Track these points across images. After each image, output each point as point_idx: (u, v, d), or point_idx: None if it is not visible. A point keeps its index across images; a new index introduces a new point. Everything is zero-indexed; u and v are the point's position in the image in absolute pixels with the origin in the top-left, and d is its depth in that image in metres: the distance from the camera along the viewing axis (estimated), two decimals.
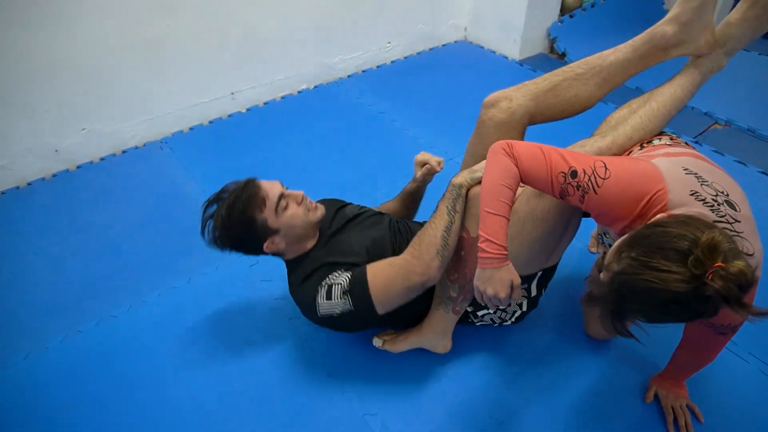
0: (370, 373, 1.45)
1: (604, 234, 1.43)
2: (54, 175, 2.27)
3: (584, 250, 1.78)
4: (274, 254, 1.37)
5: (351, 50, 2.89)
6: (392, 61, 3.09)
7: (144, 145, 2.44)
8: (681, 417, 1.29)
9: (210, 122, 2.59)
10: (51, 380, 1.46)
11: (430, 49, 3.21)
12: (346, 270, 1.27)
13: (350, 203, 1.56)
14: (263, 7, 2.46)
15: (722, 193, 0.99)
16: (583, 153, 1.07)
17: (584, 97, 1.36)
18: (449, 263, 1.29)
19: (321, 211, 1.37)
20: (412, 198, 1.65)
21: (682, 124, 2.44)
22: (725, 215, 0.96)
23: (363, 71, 2.99)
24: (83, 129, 2.26)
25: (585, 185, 1.01)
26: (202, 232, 1.31)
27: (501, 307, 1.21)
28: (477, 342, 1.51)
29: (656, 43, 1.30)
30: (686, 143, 1.26)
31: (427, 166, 1.51)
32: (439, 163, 1.51)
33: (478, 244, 1.08)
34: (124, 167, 2.31)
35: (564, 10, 3.15)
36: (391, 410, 1.36)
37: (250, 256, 1.39)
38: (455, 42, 3.29)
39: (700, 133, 2.41)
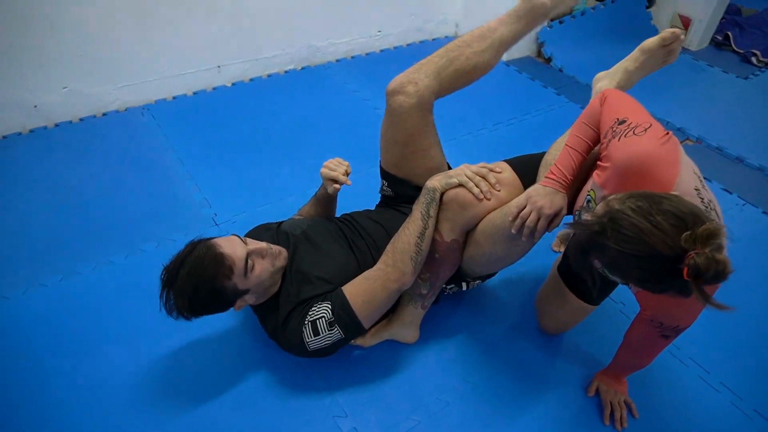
0: (342, 366, 1.47)
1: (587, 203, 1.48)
2: (31, 131, 2.26)
3: (548, 249, 1.84)
4: (244, 306, 1.32)
5: (341, 35, 2.91)
6: (381, 50, 3.11)
7: (125, 109, 2.43)
8: (617, 411, 1.35)
9: (194, 93, 2.59)
10: (7, 329, 1.47)
11: (420, 42, 3.24)
12: (324, 300, 1.26)
13: (281, 222, 1.53)
14: None
15: (712, 202, 1.04)
16: (649, 116, 1.09)
17: (483, 65, 1.43)
18: (430, 262, 1.34)
19: (284, 254, 1.34)
20: (328, 201, 1.61)
21: None
22: (714, 221, 1.01)
23: (352, 57, 3.01)
24: (65, 88, 2.25)
25: (618, 132, 1.05)
26: (166, 306, 1.20)
27: (533, 239, 1.22)
28: (438, 330, 1.56)
29: (537, 11, 1.44)
30: None
31: (336, 185, 1.47)
32: (347, 173, 1.48)
33: (551, 166, 1.19)
34: (103, 129, 2.31)
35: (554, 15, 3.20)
36: (344, 386, 1.40)
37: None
38: (445, 37, 3.33)
39: None
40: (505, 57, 3.07)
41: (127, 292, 1.60)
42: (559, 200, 1.18)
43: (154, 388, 1.36)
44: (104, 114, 2.39)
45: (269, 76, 2.77)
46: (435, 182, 1.29)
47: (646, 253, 0.84)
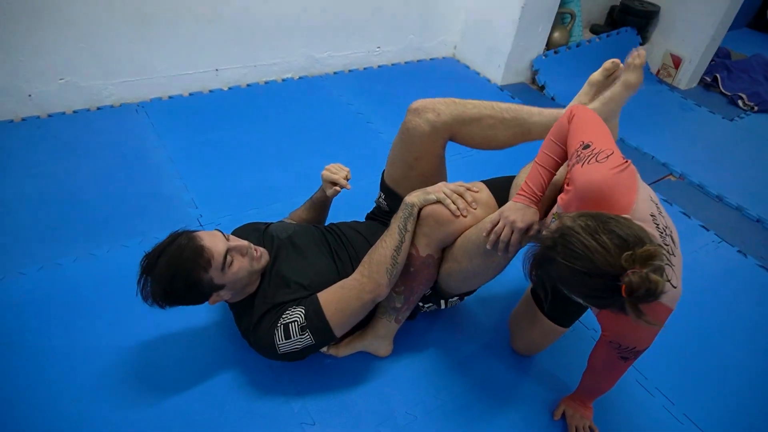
0: (313, 374, 1.48)
1: None
2: (23, 119, 2.26)
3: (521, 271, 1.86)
4: (219, 302, 1.33)
5: (340, 48, 2.95)
6: (379, 66, 3.16)
7: (120, 105, 2.45)
8: None
9: (190, 94, 2.61)
10: None
11: (418, 61, 3.30)
12: (298, 305, 1.27)
13: (270, 223, 1.55)
14: None
15: (668, 228, 1.09)
16: (613, 143, 1.13)
17: (500, 140, 1.45)
18: (405, 276, 1.36)
19: (265, 257, 1.35)
20: (323, 206, 1.66)
21: (641, 170, 2.55)
22: (669, 246, 1.05)
23: (349, 71, 3.05)
24: (61, 79, 2.26)
25: (583, 157, 1.08)
26: (142, 293, 1.22)
27: (507, 253, 1.25)
28: (411, 344, 1.57)
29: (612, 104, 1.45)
30: None
31: (336, 188, 1.52)
32: (347, 178, 1.53)
33: (521, 184, 1.24)
34: (96, 123, 2.32)
35: (550, 45, 3.27)
36: (314, 393, 1.41)
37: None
38: (443, 58, 3.39)
39: (655, 182, 2.54)
40: (500, 80, 3.14)
41: (106, 286, 1.60)
42: (531, 215, 1.22)
43: (124, 381, 1.37)
44: (98, 108, 2.40)
45: (266, 83, 2.81)
46: (413, 198, 1.31)
47: (589, 269, 0.89)
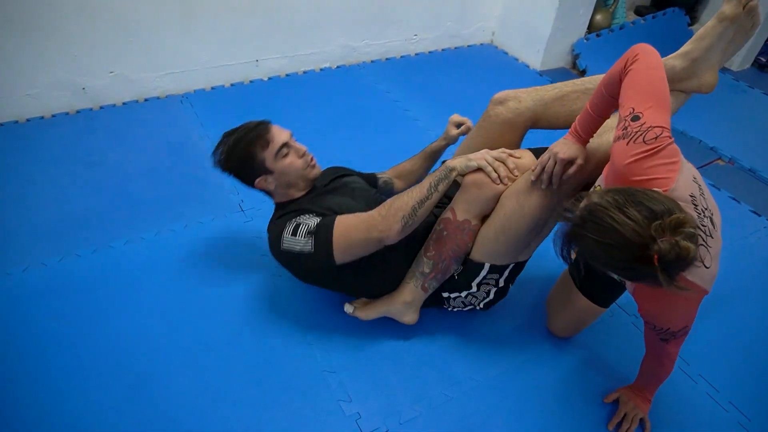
0: (338, 335, 1.54)
1: None
2: (78, 112, 2.39)
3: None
4: (263, 191, 1.50)
5: (377, 37, 2.97)
6: (416, 54, 3.16)
7: (166, 96, 2.55)
8: (627, 423, 1.35)
9: (232, 85, 2.69)
10: (42, 295, 1.57)
11: (456, 48, 3.27)
12: (318, 216, 1.37)
13: (355, 175, 1.64)
14: None
15: (709, 210, 1.06)
16: (665, 117, 1.06)
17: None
18: (430, 241, 1.38)
19: (317, 171, 1.51)
20: (434, 157, 1.73)
21: (687, 155, 2.47)
22: (706, 227, 1.03)
23: (386, 59, 3.07)
24: (111, 72, 2.37)
25: (630, 132, 1.04)
26: (213, 154, 1.46)
27: (552, 186, 1.24)
28: (446, 323, 1.59)
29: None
30: None
31: (465, 125, 1.61)
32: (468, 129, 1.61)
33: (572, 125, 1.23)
34: (144, 114, 2.42)
35: (592, 28, 3.19)
36: (349, 370, 1.45)
37: (246, 186, 1.51)
38: (481, 44, 3.35)
39: (702, 166, 2.45)
40: (539, 66, 3.09)
41: (154, 267, 1.68)
42: (575, 150, 1.21)
43: (170, 354, 1.44)
44: (146, 99, 2.51)
45: (305, 72, 2.85)
46: (455, 162, 1.32)
47: (619, 242, 0.88)
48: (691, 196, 1.02)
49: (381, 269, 1.44)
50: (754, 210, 2.18)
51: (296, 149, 1.46)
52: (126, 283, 1.63)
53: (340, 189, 1.53)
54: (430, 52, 3.19)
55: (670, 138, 1.04)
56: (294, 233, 1.34)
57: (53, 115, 2.34)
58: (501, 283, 1.44)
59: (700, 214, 1.01)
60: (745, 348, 1.61)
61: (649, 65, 1.09)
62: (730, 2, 1.29)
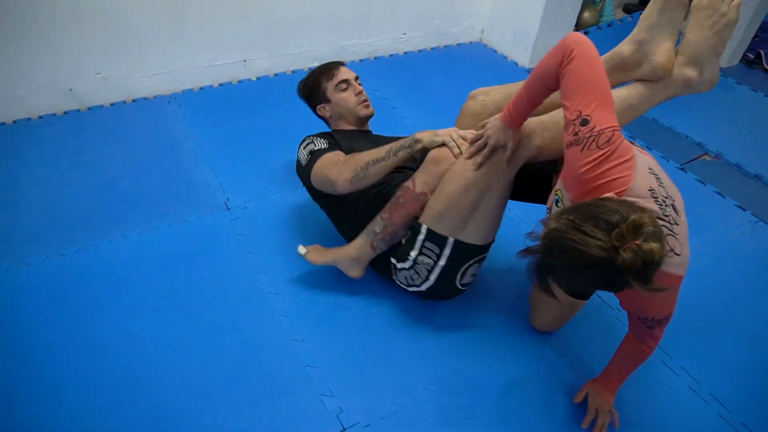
0: (321, 330, 1.55)
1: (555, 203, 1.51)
2: (65, 113, 2.39)
3: None
4: (322, 118, 1.81)
5: (365, 35, 2.97)
6: (405, 53, 3.17)
7: (154, 97, 2.55)
8: (601, 418, 1.34)
9: (220, 85, 2.69)
10: (25, 295, 1.57)
11: (445, 47, 3.28)
12: (328, 144, 1.58)
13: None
14: None
15: (670, 197, 1.08)
16: (611, 115, 1.06)
17: (552, 104, 1.41)
18: (389, 203, 1.45)
19: (368, 111, 1.75)
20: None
21: (673, 150, 2.50)
22: (669, 216, 1.04)
23: (375, 58, 3.07)
24: (99, 74, 2.38)
25: (582, 138, 1.04)
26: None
27: (474, 167, 1.31)
28: (429, 319, 1.60)
29: (615, 63, 1.36)
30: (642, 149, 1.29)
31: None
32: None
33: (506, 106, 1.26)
34: (132, 115, 2.42)
35: (579, 25, 3.20)
36: (332, 365, 1.45)
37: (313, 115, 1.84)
38: (470, 43, 3.36)
39: (688, 161, 2.46)
40: (527, 63, 3.10)
41: (137, 265, 1.69)
42: (504, 137, 1.26)
43: (155, 351, 1.44)
44: (134, 100, 2.51)
45: (294, 71, 2.86)
46: (422, 135, 1.41)
47: (588, 261, 0.89)
48: (649, 189, 1.03)
49: (350, 213, 1.59)
50: (739, 205, 2.19)
51: (354, 87, 1.73)
52: (108, 281, 1.63)
53: (377, 140, 1.68)
54: (419, 51, 3.20)
55: (621, 137, 1.05)
56: (304, 147, 1.61)
57: (40, 117, 2.35)
58: (442, 261, 1.43)
59: (661, 204, 1.03)
60: (727, 340, 1.62)
61: (587, 61, 1.07)
62: None
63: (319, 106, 1.77)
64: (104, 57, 2.35)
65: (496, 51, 3.30)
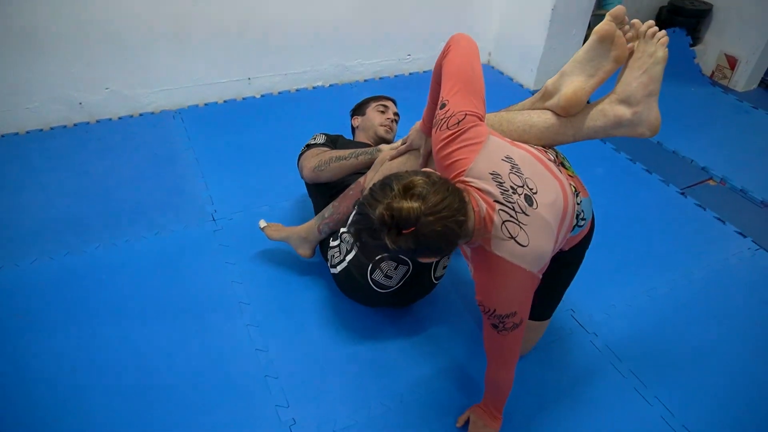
0: (288, 341, 1.56)
1: None
2: (75, 125, 2.51)
3: None
4: (352, 128, 2.03)
5: (370, 56, 3.03)
6: (410, 73, 3.20)
7: (160, 111, 2.65)
8: None
9: (224, 101, 2.78)
10: (13, 294, 1.64)
11: None
12: (325, 142, 1.80)
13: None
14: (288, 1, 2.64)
15: (530, 189, 1.05)
16: (469, 100, 1.12)
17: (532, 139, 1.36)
18: (342, 194, 1.57)
19: (388, 135, 1.92)
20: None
21: (675, 174, 2.43)
22: (515, 203, 1.02)
23: (380, 78, 3.12)
24: (107, 88, 2.49)
25: (438, 120, 1.12)
26: None
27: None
28: (394, 333, 1.60)
29: (542, 92, 1.33)
30: (553, 158, 1.23)
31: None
32: None
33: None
34: (137, 128, 2.52)
35: None
36: (293, 376, 1.46)
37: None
38: None
39: (690, 186, 2.38)
40: (532, 85, 3.09)
41: (120, 271, 1.74)
42: (419, 139, 1.39)
43: (117, 358, 1.48)
44: (140, 114, 2.62)
45: (297, 90, 2.93)
46: (385, 146, 1.59)
47: (369, 223, 0.95)
48: (491, 173, 1.04)
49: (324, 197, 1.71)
50: (740, 231, 2.11)
51: (387, 114, 1.94)
52: (89, 284, 1.69)
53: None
54: (424, 72, 3.23)
55: (475, 121, 1.08)
56: (308, 141, 1.84)
57: (51, 128, 2.47)
58: (353, 250, 1.49)
59: (506, 190, 1.02)
60: (708, 373, 1.56)
61: (458, 53, 1.17)
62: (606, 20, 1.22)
63: (354, 116, 2.01)
64: (112, 72, 2.47)
65: (503, 73, 3.30)
